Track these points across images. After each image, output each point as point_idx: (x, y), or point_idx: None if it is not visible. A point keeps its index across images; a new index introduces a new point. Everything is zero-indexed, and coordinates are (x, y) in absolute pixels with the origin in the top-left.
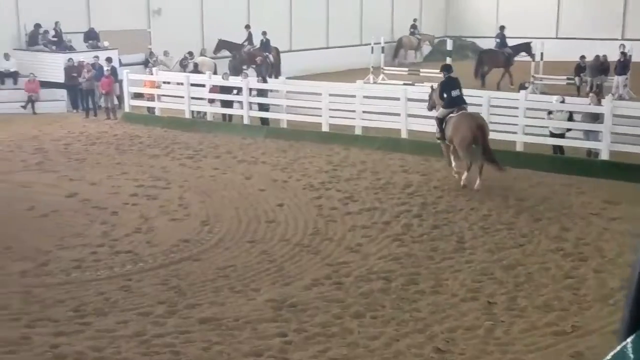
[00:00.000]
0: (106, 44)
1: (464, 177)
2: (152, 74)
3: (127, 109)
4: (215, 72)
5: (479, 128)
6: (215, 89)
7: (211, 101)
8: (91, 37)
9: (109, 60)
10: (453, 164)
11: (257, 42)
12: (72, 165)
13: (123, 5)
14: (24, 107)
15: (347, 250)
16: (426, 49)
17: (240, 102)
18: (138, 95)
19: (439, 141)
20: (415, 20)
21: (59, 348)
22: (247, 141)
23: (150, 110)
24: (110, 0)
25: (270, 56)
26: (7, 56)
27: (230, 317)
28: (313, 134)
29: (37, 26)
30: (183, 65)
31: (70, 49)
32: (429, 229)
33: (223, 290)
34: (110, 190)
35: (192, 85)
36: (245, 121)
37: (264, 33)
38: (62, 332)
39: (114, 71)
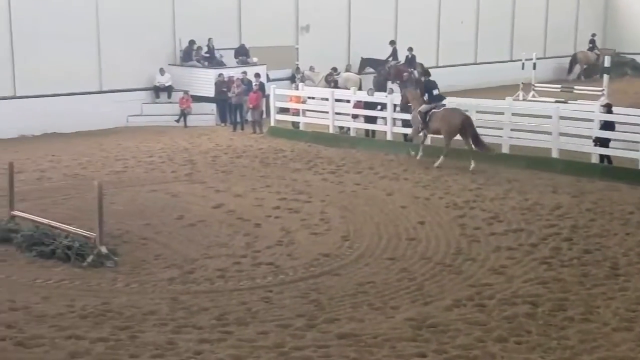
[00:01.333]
0: (255, 59)
1: (440, 161)
2: (298, 89)
3: (272, 123)
4: (360, 88)
5: (467, 119)
6: (359, 104)
7: (355, 117)
8: (241, 53)
9: (257, 75)
10: (420, 154)
11: (402, 58)
12: (218, 177)
13: (273, 22)
14: (177, 120)
15: (491, 272)
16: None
17: (384, 118)
18: (283, 110)
19: (419, 134)
20: (594, 35)
21: (202, 355)
22: (389, 157)
23: (295, 124)
24: (261, 17)
25: (416, 72)
26: (162, 71)
27: (369, 333)
28: (458, 151)
29: (192, 43)
30: (328, 81)
31: (221, 64)
32: (580, 253)
33: (362, 306)
34: (254, 202)
35: (337, 100)
36: (389, 137)
37: (410, 49)
38: (205, 339)
39: (261, 86)
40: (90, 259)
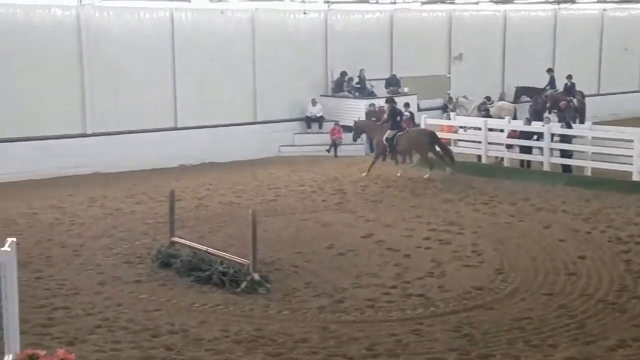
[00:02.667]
0: (406, 89)
1: (428, 174)
2: (449, 119)
3: None
4: (514, 117)
5: (433, 135)
6: (514, 134)
7: (509, 147)
8: (392, 83)
9: (406, 105)
10: (369, 171)
11: (559, 86)
12: (368, 207)
13: (425, 52)
14: (328, 150)
15: None
16: None
17: (540, 148)
18: None
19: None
20: None
21: None
22: (546, 188)
23: None
24: (414, 48)
25: (575, 100)
26: (314, 102)
27: None
28: (622, 183)
29: (343, 74)
30: (480, 110)
31: (372, 94)
32: None
33: (518, 342)
34: (404, 232)
35: (490, 130)
36: (545, 168)
37: (569, 77)
38: None
39: (412, 116)
40: (243, 285)
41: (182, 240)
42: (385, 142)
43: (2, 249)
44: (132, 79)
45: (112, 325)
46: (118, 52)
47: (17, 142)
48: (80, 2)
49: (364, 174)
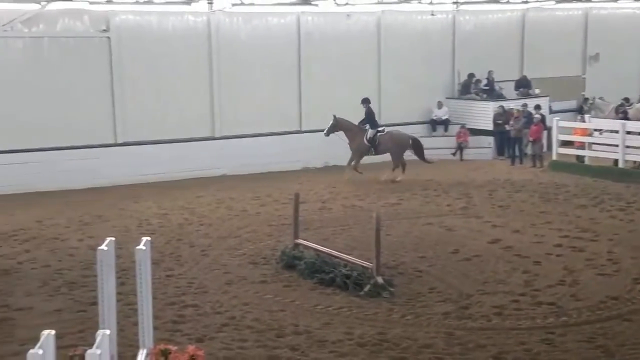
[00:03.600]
0: (537, 91)
1: (401, 176)
2: (583, 121)
3: (554, 157)
4: None
5: (413, 138)
6: None
7: None
8: (522, 85)
9: (537, 107)
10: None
11: None
12: (495, 212)
13: (559, 52)
14: (454, 154)
15: None
16: None
17: None
18: (566, 143)
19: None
20: None
21: None
22: None
23: (580, 158)
24: (546, 47)
25: None
26: (439, 104)
27: None
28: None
29: (471, 76)
30: (618, 113)
31: (501, 97)
32: None
33: None
34: (533, 239)
35: (628, 133)
36: None
37: None
38: None
39: (543, 118)
40: (367, 288)
41: (306, 242)
42: (367, 143)
43: (137, 247)
44: (258, 83)
45: (239, 324)
46: (246, 56)
47: (151, 145)
48: (211, 9)
49: (347, 177)
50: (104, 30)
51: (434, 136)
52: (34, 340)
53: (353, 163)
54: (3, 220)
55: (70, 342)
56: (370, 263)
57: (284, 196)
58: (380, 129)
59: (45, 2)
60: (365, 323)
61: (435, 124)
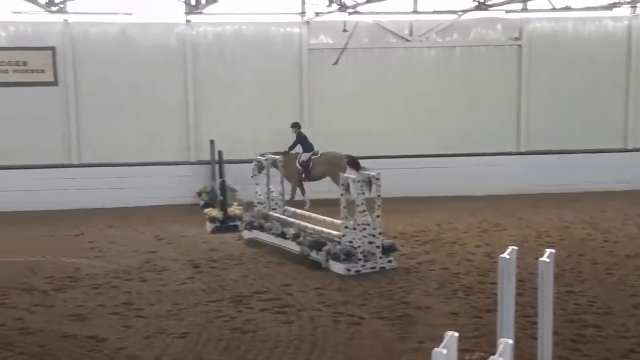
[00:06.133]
0: None
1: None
2: None
3: None
4: None
5: (347, 155)
6: None
7: None
8: None
9: None
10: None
11: None
12: None
13: None
14: None
15: None
16: None
17: None
18: None
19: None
20: None
21: None
22: None
23: None
24: None
25: None
26: None
27: None
28: None
29: None
30: None
31: None
32: None
33: None
34: None
35: None
36: None
37: None
38: None
39: None
40: None
41: None
42: (299, 167)
43: (541, 259)
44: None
45: None
46: None
47: (551, 155)
48: (634, 13)
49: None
50: (516, 38)
51: None
52: (431, 339)
53: (291, 193)
54: (406, 222)
55: (465, 346)
56: None
57: None
58: (314, 151)
59: (462, 12)
60: None
61: None
